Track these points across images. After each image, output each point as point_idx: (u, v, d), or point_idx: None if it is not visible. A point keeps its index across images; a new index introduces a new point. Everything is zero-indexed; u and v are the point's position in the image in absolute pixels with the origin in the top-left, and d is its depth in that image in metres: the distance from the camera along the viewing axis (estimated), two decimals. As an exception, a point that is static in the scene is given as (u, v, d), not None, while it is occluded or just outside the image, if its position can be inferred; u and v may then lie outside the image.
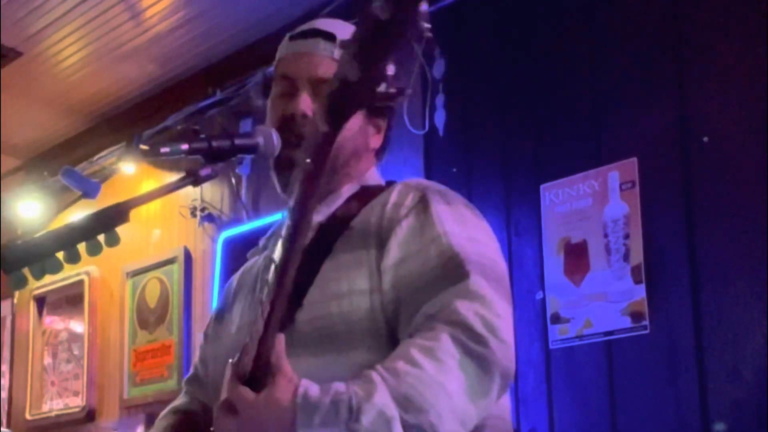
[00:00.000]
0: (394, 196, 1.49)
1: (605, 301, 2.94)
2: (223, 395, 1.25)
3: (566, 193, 3.10)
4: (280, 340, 1.22)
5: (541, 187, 3.16)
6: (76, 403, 4.97)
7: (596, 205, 3.02)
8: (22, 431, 5.20)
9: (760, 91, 2.71)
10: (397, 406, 1.19)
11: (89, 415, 4.87)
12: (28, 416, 5.22)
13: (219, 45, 4.34)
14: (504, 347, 1.28)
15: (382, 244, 1.42)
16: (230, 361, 1.27)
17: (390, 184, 1.62)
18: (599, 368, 2.92)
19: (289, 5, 3.98)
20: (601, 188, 3.02)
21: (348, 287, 1.41)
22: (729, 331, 2.68)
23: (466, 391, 1.24)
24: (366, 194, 1.55)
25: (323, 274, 1.44)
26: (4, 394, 5.42)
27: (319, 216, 1.52)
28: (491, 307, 1.30)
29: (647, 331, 2.83)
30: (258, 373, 1.22)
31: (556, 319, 3.03)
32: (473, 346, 1.25)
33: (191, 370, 1.77)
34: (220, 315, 1.68)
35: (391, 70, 1.08)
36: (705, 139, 2.82)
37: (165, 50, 4.38)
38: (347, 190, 1.57)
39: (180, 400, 1.73)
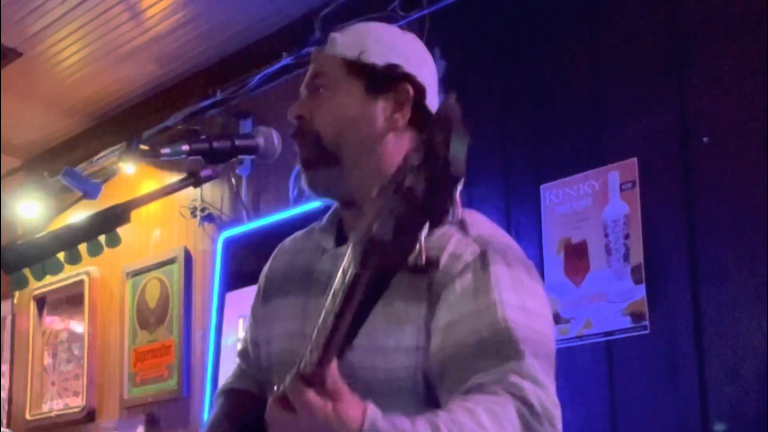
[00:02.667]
0: (452, 243, 1.41)
1: (605, 301, 2.94)
2: (282, 389, 1.20)
3: (566, 193, 3.10)
4: (335, 365, 1.17)
5: (541, 187, 3.16)
6: (76, 403, 4.97)
7: (596, 205, 3.02)
8: (22, 431, 5.20)
9: (760, 91, 2.71)
10: None
11: (89, 415, 4.87)
12: (28, 416, 5.22)
13: (219, 45, 4.34)
14: None
15: (433, 300, 1.38)
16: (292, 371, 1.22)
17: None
18: (599, 368, 2.92)
19: (289, 5, 3.98)
20: (601, 188, 3.02)
21: (395, 344, 1.38)
22: (729, 331, 2.68)
23: None
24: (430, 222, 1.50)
25: (375, 319, 1.38)
26: (4, 394, 5.42)
27: None
28: (549, 395, 1.31)
29: (647, 331, 2.83)
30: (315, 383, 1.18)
31: (557, 319, 3.03)
32: (535, 425, 1.26)
33: (241, 344, 1.75)
34: (267, 296, 1.65)
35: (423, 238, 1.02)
36: (705, 139, 2.82)
37: (165, 50, 4.38)
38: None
39: (233, 378, 1.73)
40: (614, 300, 2.92)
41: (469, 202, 3.26)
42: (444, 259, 1.39)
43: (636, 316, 2.86)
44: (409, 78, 1.54)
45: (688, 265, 2.79)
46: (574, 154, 3.11)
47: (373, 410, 1.18)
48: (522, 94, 3.31)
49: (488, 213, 3.25)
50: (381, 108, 1.51)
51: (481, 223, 1.49)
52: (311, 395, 1.15)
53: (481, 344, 1.32)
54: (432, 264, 1.08)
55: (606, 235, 2.98)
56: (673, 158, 2.89)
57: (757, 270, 2.64)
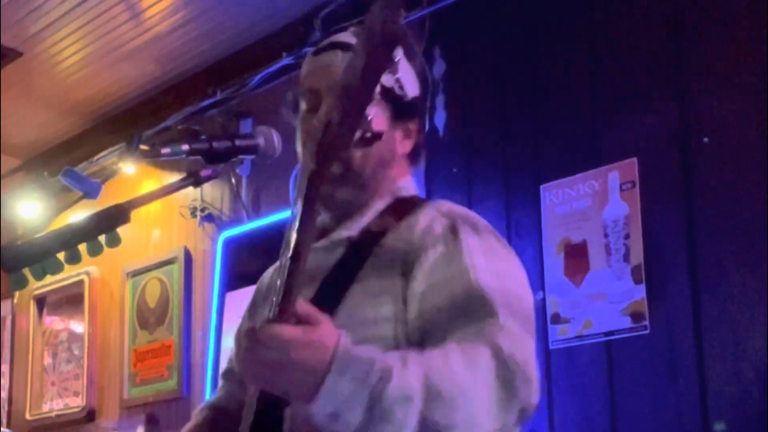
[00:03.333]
0: (423, 220, 1.48)
1: (605, 301, 2.94)
2: (250, 335, 1.20)
3: (566, 193, 3.10)
4: (303, 301, 1.21)
5: (541, 187, 3.16)
6: (76, 403, 4.97)
7: (596, 205, 3.02)
8: (22, 431, 5.20)
9: (760, 91, 2.71)
10: (423, 392, 1.20)
11: (89, 415, 4.87)
12: (28, 416, 5.23)
13: (219, 45, 4.34)
14: (530, 388, 1.28)
15: (407, 272, 1.42)
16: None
17: (419, 200, 1.60)
18: (599, 368, 2.92)
19: (289, 5, 3.98)
20: (601, 188, 3.02)
21: (374, 315, 1.41)
22: (729, 331, 2.68)
23: (490, 404, 1.24)
24: (399, 208, 1.54)
25: (352, 298, 1.44)
26: (4, 394, 5.42)
27: (349, 231, 1.52)
28: (523, 347, 1.31)
29: (647, 331, 2.83)
30: (284, 318, 1.20)
31: (556, 319, 3.03)
32: (506, 370, 1.26)
33: (227, 364, 1.77)
34: (253, 311, 1.68)
35: (371, 113, 1.19)
36: (705, 139, 2.82)
37: (165, 50, 4.38)
38: (378, 203, 1.56)
39: (217, 395, 1.74)
40: (614, 300, 2.92)
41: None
42: (415, 235, 1.45)
43: (636, 316, 2.86)
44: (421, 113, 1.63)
45: (688, 265, 2.79)
46: (574, 154, 3.11)
47: (345, 335, 1.20)
48: (522, 94, 3.31)
49: (488, 213, 3.25)
50: (399, 134, 1.59)
51: (450, 204, 1.56)
52: (280, 327, 1.17)
53: (457, 306, 1.35)
54: (378, 135, 1.25)
55: (606, 235, 2.98)
56: (673, 158, 2.89)
57: (757, 270, 2.64)
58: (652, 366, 2.81)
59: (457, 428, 1.21)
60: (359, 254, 1.48)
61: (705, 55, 2.87)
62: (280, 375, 1.17)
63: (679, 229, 2.83)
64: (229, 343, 4.02)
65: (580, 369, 2.96)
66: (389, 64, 1.17)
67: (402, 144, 1.59)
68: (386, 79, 1.52)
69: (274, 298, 1.19)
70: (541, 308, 3.07)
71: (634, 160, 2.95)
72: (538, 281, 3.09)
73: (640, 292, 2.86)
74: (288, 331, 1.17)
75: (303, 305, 1.20)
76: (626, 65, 3.05)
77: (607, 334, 2.92)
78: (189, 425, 1.69)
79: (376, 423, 1.17)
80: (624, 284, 2.90)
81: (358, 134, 1.19)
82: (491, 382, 1.24)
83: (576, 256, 3.04)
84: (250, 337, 1.19)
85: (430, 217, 1.48)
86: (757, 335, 2.62)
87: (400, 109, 1.55)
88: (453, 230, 1.45)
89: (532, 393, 1.29)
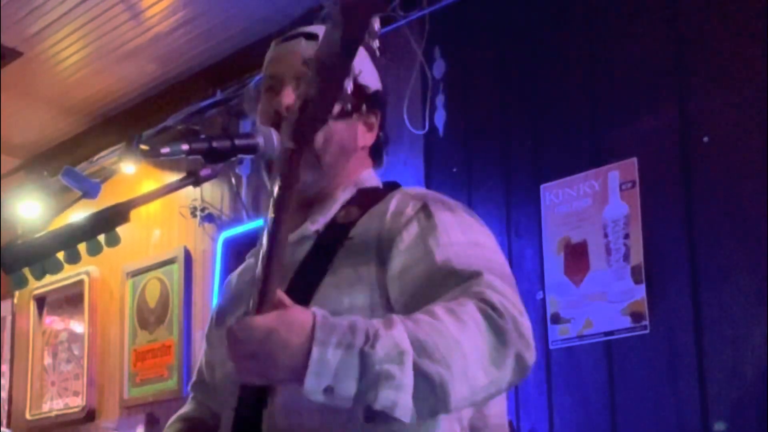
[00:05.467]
0: (393, 204, 1.46)
1: (605, 301, 2.94)
2: (232, 333, 1.20)
3: (566, 193, 3.10)
4: (281, 292, 1.21)
5: (541, 187, 3.16)
6: (76, 403, 4.97)
7: (596, 205, 3.02)
8: (22, 431, 5.20)
9: (760, 91, 2.71)
10: (414, 348, 1.17)
11: (89, 415, 4.87)
12: (28, 416, 5.23)
13: (219, 45, 4.34)
14: (523, 340, 1.24)
15: (383, 256, 1.40)
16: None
17: (388, 186, 1.59)
18: (599, 368, 2.92)
19: (289, 5, 3.98)
20: (601, 188, 3.02)
21: (349, 303, 1.39)
22: (729, 331, 2.68)
23: (482, 356, 1.20)
24: (364, 198, 1.53)
25: (324, 289, 1.42)
26: (4, 394, 5.42)
27: (316, 224, 1.51)
28: (512, 300, 1.28)
29: (647, 331, 2.83)
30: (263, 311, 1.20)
31: (557, 319, 3.03)
32: (497, 319, 1.23)
33: (195, 376, 1.75)
34: (221, 317, 1.66)
35: (349, 87, 1.20)
36: (705, 139, 2.82)
37: (165, 50, 4.38)
38: (342, 194, 1.55)
39: (187, 407, 1.73)
40: (614, 300, 2.92)
41: (469, 202, 3.27)
42: (387, 219, 1.44)
43: (636, 316, 2.86)
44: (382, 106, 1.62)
45: (688, 265, 2.79)
46: (574, 154, 3.11)
47: (322, 311, 1.20)
48: (522, 94, 3.31)
49: (488, 213, 3.26)
50: (361, 126, 1.58)
51: (419, 188, 1.57)
52: (258, 319, 1.17)
53: (439, 276, 1.33)
54: (356, 107, 1.31)
55: (606, 235, 2.98)
56: (673, 158, 2.89)
57: (757, 270, 2.64)
58: (652, 366, 2.81)
59: (451, 383, 1.17)
60: (329, 246, 1.46)
61: (705, 55, 2.87)
62: (267, 364, 1.16)
63: (679, 229, 2.83)
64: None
65: (580, 369, 2.96)
66: (366, 34, 1.16)
67: (364, 137, 1.58)
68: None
69: (254, 291, 1.20)
70: (541, 308, 3.07)
71: (634, 160, 2.95)
72: (538, 281, 3.10)
73: (640, 292, 2.86)
74: (262, 319, 1.16)
75: (277, 293, 1.20)
76: (626, 65, 3.05)
77: (607, 334, 2.92)
78: None
79: (373, 388, 1.14)
80: (624, 284, 2.90)
81: (337, 107, 1.19)
82: (483, 333, 1.21)
83: (576, 255, 3.04)
84: (229, 336, 1.18)
85: (399, 200, 1.47)
86: (757, 335, 2.62)
87: (363, 100, 1.54)
88: (425, 209, 1.43)
89: (527, 347, 1.24)
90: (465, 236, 1.40)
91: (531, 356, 1.25)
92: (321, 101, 1.17)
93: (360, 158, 1.59)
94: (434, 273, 1.34)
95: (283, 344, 1.15)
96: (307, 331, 1.15)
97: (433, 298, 1.29)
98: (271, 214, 1.20)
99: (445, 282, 1.32)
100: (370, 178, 1.61)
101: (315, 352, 1.14)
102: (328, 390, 1.15)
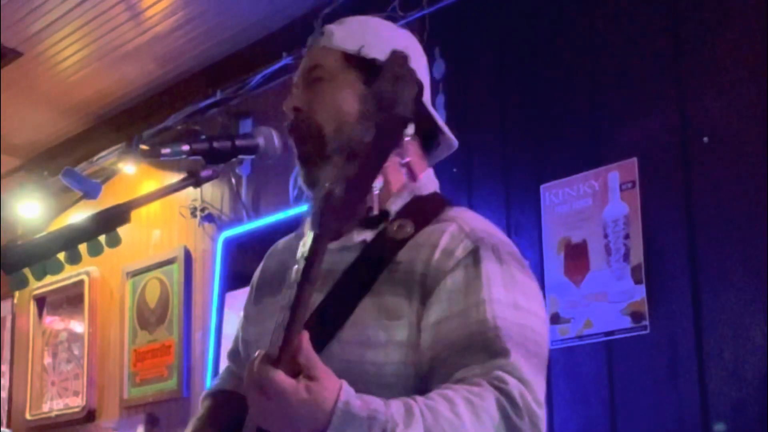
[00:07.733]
0: (445, 239, 1.41)
1: (605, 301, 2.94)
2: (251, 374, 1.20)
3: (566, 193, 3.10)
4: (305, 336, 1.18)
5: (541, 187, 3.16)
6: (76, 403, 4.97)
7: (596, 205, 3.02)
8: (22, 431, 5.20)
9: (760, 91, 2.71)
10: None
11: (89, 415, 4.87)
12: (28, 416, 5.23)
13: (219, 45, 4.34)
14: (535, 430, 1.27)
15: (425, 296, 1.38)
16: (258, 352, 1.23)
17: (439, 200, 1.54)
18: (599, 368, 2.92)
19: (289, 5, 3.98)
20: (601, 188, 3.02)
21: (386, 338, 1.37)
22: (729, 331, 2.68)
23: None
24: (419, 211, 1.47)
25: (363, 312, 1.39)
26: (4, 394, 5.43)
27: (363, 234, 1.45)
28: (534, 393, 1.29)
29: (647, 331, 2.83)
30: (284, 361, 1.18)
31: (556, 319, 3.03)
32: (514, 419, 1.24)
33: (232, 344, 1.74)
34: (259, 295, 1.65)
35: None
36: (705, 139, 2.82)
37: (165, 50, 4.38)
38: (395, 201, 1.49)
39: (220, 379, 1.72)
40: (614, 300, 2.92)
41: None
42: (436, 256, 1.40)
43: (636, 316, 2.86)
44: None
45: (688, 265, 2.79)
46: (574, 154, 3.11)
47: (347, 389, 1.18)
48: (522, 94, 3.31)
49: (488, 213, 3.25)
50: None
51: (473, 219, 1.49)
52: (279, 377, 1.15)
53: (470, 341, 1.32)
54: (385, 215, 1.25)
55: (606, 235, 2.98)
56: (673, 158, 2.89)
57: (758, 270, 2.64)
58: (652, 366, 2.81)
59: None
60: (374, 262, 1.42)
61: (705, 55, 2.87)
62: (279, 423, 1.17)
63: (679, 229, 2.83)
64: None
65: (580, 369, 2.96)
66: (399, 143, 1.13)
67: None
68: (349, 45, 1.51)
69: (280, 327, 1.17)
70: (541, 308, 3.06)
71: (634, 160, 2.95)
72: (538, 281, 3.09)
73: (640, 292, 2.86)
74: (287, 383, 1.15)
75: (305, 352, 1.17)
76: (626, 65, 3.05)
77: (607, 334, 2.92)
78: (193, 419, 1.66)
79: None
80: (624, 284, 2.90)
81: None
82: None
83: (576, 255, 3.04)
84: (250, 378, 1.18)
85: (453, 235, 1.42)
86: (757, 335, 2.62)
87: (374, 75, 1.53)
88: (474, 255, 1.39)
89: None
90: (508, 294, 1.38)
91: None
92: (351, 195, 1.13)
93: (409, 151, 1.51)
94: (465, 338, 1.33)
95: (298, 417, 1.15)
96: (325, 416, 1.15)
97: (458, 366, 1.30)
98: (307, 253, 1.16)
99: (472, 354, 1.31)
100: (428, 181, 1.57)
101: None
102: None
